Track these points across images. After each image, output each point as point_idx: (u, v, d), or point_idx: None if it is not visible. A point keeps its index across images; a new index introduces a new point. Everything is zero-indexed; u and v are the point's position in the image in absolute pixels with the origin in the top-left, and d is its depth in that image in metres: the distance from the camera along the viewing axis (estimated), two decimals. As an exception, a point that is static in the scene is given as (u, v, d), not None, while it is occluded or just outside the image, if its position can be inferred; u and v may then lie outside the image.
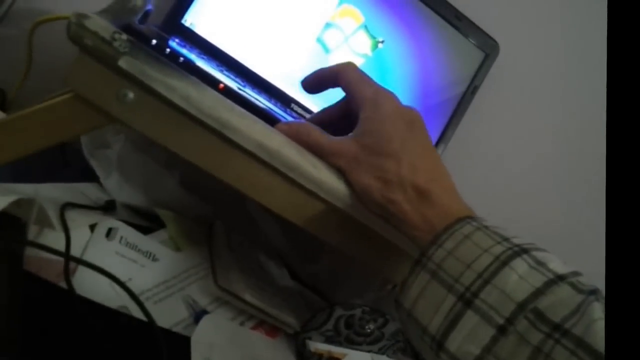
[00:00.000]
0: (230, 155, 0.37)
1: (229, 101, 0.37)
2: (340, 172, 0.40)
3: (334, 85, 0.44)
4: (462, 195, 0.40)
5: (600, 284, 0.31)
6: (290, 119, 0.53)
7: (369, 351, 0.54)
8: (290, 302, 0.54)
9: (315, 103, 0.55)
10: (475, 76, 0.65)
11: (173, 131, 0.37)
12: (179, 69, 0.36)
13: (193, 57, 0.49)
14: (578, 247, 0.85)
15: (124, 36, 0.33)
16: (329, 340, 0.51)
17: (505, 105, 0.78)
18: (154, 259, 0.45)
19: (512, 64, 0.71)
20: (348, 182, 0.39)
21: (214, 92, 0.37)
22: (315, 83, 0.45)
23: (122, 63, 0.32)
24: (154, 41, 0.43)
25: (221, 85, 0.46)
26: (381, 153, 0.38)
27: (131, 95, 0.34)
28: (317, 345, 0.48)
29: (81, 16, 0.31)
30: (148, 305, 0.40)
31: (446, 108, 0.65)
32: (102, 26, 0.32)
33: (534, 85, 0.79)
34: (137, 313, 0.38)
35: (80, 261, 0.37)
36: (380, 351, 0.55)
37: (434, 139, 0.65)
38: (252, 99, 0.49)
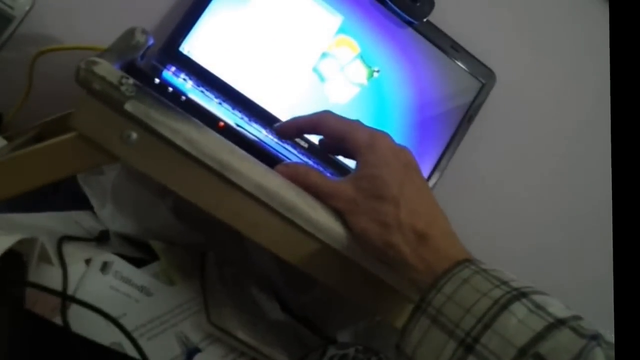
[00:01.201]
0: (229, 195, 0.38)
1: (229, 143, 0.38)
2: (339, 214, 0.40)
3: (316, 134, 0.45)
4: (457, 224, 0.40)
5: (604, 311, 0.31)
6: (284, 150, 0.54)
7: (359, 389, 0.54)
8: (282, 338, 0.54)
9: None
10: (471, 105, 0.65)
11: (174, 171, 0.37)
12: (182, 112, 0.37)
13: (189, 86, 0.49)
14: (578, 274, 0.85)
15: (131, 80, 0.33)
16: (319, 378, 0.51)
17: (501, 134, 0.78)
18: (148, 294, 0.45)
19: (509, 93, 0.72)
20: (346, 225, 0.40)
21: (216, 135, 0.38)
22: (291, 131, 0.46)
23: (128, 107, 0.33)
24: (157, 80, 0.44)
25: (221, 123, 0.46)
26: (380, 197, 0.38)
27: (135, 136, 0.35)
28: (309, 384, 0.48)
29: (90, 62, 0.32)
30: (142, 342, 0.40)
31: (442, 137, 0.65)
32: (110, 71, 0.33)
33: (530, 114, 0.79)
34: (130, 350, 0.38)
35: (75, 300, 0.37)
36: (372, 389, 0.55)
37: (430, 167, 0.65)
38: (251, 136, 0.50)
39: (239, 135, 0.48)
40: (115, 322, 0.36)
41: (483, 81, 0.65)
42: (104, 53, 0.37)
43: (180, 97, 0.46)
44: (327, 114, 0.43)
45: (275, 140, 0.55)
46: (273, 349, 0.48)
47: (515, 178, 0.82)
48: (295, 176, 0.41)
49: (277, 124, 0.46)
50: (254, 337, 0.47)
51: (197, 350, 0.43)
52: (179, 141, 0.36)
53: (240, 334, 0.46)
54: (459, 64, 0.63)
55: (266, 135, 0.54)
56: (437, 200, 0.41)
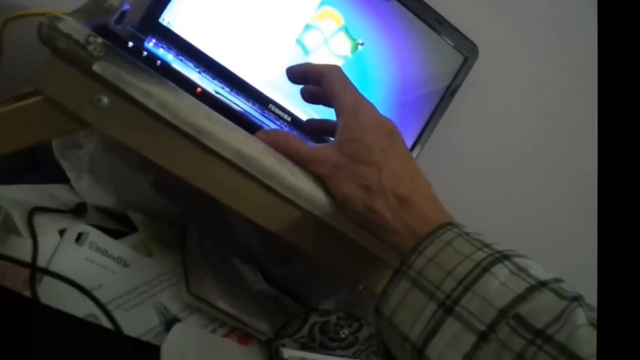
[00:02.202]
0: (207, 163, 0.37)
1: (206, 108, 0.37)
2: (320, 180, 0.39)
3: (315, 84, 0.44)
4: (439, 197, 0.40)
5: (585, 287, 0.31)
6: (267, 120, 0.53)
7: (342, 356, 0.54)
8: (264, 307, 0.53)
9: (295, 105, 0.55)
10: (454, 79, 0.65)
11: (148, 137, 0.36)
12: (156, 74, 0.35)
13: (170, 58, 0.48)
14: (558, 250, 0.86)
15: (99, 39, 0.32)
16: (303, 347, 0.50)
17: (483, 107, 0.78)
18: (125, 265, 0.44)
19: (491, 67, 0.71)
20: (327, 191, 0.39)
21: (192, 99, 0.36)
22: (298, 75, 0.45)
23: (97, 68, 0.32)
24: (131, 44, 0.42)
25: (199, 89, 0.45)
26: (362, 161, 0.38)
27: (105, 100, 0.33)
28: (291, 352, 0.48)
29: (54, 18, 0.30)
30: (118, 313, 0.39)
31: (424, 110, 0.65)
32: (76, 29, 0.31)
33: (512, 88, 0.79)
34: (106, 321, 0.37)
35: (46, 271, 0.35)
36: (354, 355, 0.55)
37: (412, 140, 0.65)
38: (230, 103, 0.48)
39: (218, 102, 0.47)
40: (87, 292, 0.35)
41: (466, 55, 0.65)
42: (72, 13, 0.35)
43: (155, 61, 0.44)
44: (335, 68, 0.43)
45: (258, 111, 0.53)
46: (254, 318, 0.47)
47: (495, 152, 0.82)
48: (276, 142, 0.40)
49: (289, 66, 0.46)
50: (234, 306, 0.46)
51: (176, 320, 0.42)
52: (152, 105, 0.34)
53: (221, 304, 0.45)
54: (443, 37, 0.62)
55: (249, 107, 0.53)
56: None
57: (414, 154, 0.66)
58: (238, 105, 0.50)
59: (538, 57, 0.79)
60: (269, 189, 0.38)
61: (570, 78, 0.81)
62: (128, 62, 0.33)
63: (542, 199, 0.86)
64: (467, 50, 0.65)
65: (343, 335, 0.52)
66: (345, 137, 0.40)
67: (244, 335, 0.47)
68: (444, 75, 0.65)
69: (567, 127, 0.83)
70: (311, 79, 0.44)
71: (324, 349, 0.52)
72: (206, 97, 0.46)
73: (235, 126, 0.38)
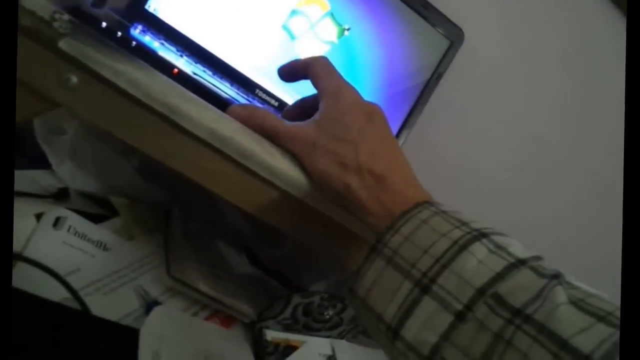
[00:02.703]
0: (180, 143, 0.36)
1: (179, 86, 0.36)
2: (296, 158, 0.39)
3: (304, 77, 0.43)
4: (424, 182, 0.40)
5: (562, 265, 0.31)
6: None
7: (328, 337, 0.54)
8: (249, 290, 0.53)
9: (282, 89, 0.54)
10: (439, 64, 0.65)
11: (121, 118, 0.35)
12: (126, 53, 0.35)
13: (156, 45, 0.47)
14: (544, 234, 0.87)
15: (66, 16, 0.31)
16: (286, 329, 0.50)
17: (468, 92, 0.78)
18: (105, 249, 0.43)
19: (477, 52, 0.71)
20: (305, 170, 0.39)
21: (164, 77, 0.36)
22: (289, 72, 0.45)
23: (63, 45, 0.31)
24: (104, 24, 0.41)
25: (175, 70, 0.44)
26: (339, 139, 0.37)
27: (74, 79, 0.33)
28: (274, 334, 0.48)
29: (16, -6, 0.29)
30: (97, 297, 0.39)
31: (410, 94, 0.65)
32: (41, 5, 0.30)
33: (498, 74, 0.79)
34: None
35: (16, 256, 0.35)
36: (340, 336, 0.55)
37: (398, 125, 0.65)
38: (209, 84, 0.48)
39: (196, 83, 0.46)
40: (56, 276, 0.34)
41: (451, 40, 0.64)
42: (39, -9, 0.34)
43: (130, 42, 0.43)
44: (320, 57, 0.43)
45: (244, 96, 0.53)
46: (237, 301, 0.47)
47: (481, 136, 0.82)
48: (253, 117, 0.40)
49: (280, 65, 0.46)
50: (216, 289, 0.46)
51: (156, 303, 0.42)
52: (122, 84, 0.33)
53: (202, 286, 0.45)
54: (429, 22, 0.62)
55: (235, 92, 0.52)
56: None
57: (401, 139, 0.66)
58: (218, 88, 0.49)
59: (525, 40, 0.79)
60: (245, 169, 0.38)
61: (558, 61, 0.81)
62: (96, 40, 0.33)
63: (530, 183, 0.86)
64: (453, 35, 0.65)
65: (327, 316, 0.52)
66: (323, 115, 0.39)
67: (226, 318, 0.47)
68: (429, 59, 0.64)
69: (554, 110, 0.83)
70: (301, 73, 0.44)
71: (308, 330, 0.52)
72: (183, 78, 0.45)
73: (209, 105, 0.37)
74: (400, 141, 0.66)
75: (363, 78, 0.62)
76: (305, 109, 0.44)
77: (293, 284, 0.63)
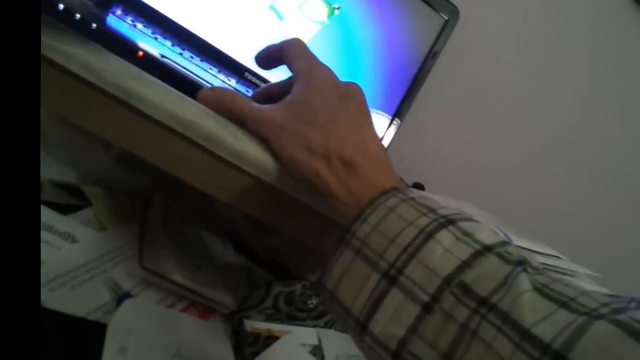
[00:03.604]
0: (142, 127, 0.34)
1: (136, 69, 0.34)
2: (265, 142, 0.37)
3: (281, 62, 0.41)
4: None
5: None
6: (243, 89, 0.51)
7: (314, 326, 0.52)
8: (231, 280, 0.52)
9: (271, 72, 0.52)
10: (435, 42, 0.63)
11: (77, 104, 0.33)
12: (78, 35, 0.33)
13: (124, 26, 0.45)
14: (534, 220, 0.86)
15: None
16: (269, 319, 0.49)
17: (465, 71, 0.77)
18: (73, 240, 0.42)
19: (472, 30, 0.70)
20: (273, 153, 0.37)
21: (119, 59, 0.34)
22: (265, 59, 0.43)
23: (4, 27, 0.29)
24: (61, 6, 0.39)
25: (140, 52, 0.42)
26: (307, 122, 0.36)
27: (22, 63, 0.31)
28: (255, 324, 0.47)
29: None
30: (63, 291, 0.38)
31: (406, 74, 0.64)
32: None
33: (493, 51, 0.78)
34: (49, 300, 0.36)
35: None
36: (327, 325, 0.54)
37: (395, 105, 0.63)
38: (177, 67, 0.46)
39: (163, 67, 0.44)
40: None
41: (446, 17, 0.62)
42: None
43: (89, 25, 0.41)
44: (294, 39, 0.40)
45: (233, 79, 0.51)
46: (215, 291, 0.46)
47: (478, 116, 0.81)
48: (222, 100, 0.38)
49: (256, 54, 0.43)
50: (193, 279, 0.45)
51: (127, 295, 0.40)
52: (74, 68, 0.31)
53: (176, 277, 0.43)
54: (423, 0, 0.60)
55: (224, 76, 0.50)
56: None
57: (397, 119, 0.64)
58: (191, 71, 0.47)
59: (520, 17, 0.77)
60: (211, 154, 0.36)
61: (553, 40, 0.79)
62: (44, 23, 0.31)
63: (525, 166, 0.85)
64: (448, 12, 0.62)
65: (312, 305, 0.51)
66: (293, 98, 0.37)
67: (205, 309, 0.46)
68: (425, 38, 0.63)
69: (548, 86, 0.82)
70: (277, 58, 0.41)
71: (292, 319, 0.50)
72: (149, 61, 0.43)
73: (170, 88, 0.35)
74: (398, 123, 0.64)
75: (356, 58, 0.60)
76: (271, 94, 0.42)
77: (291, 272, 0.62)
